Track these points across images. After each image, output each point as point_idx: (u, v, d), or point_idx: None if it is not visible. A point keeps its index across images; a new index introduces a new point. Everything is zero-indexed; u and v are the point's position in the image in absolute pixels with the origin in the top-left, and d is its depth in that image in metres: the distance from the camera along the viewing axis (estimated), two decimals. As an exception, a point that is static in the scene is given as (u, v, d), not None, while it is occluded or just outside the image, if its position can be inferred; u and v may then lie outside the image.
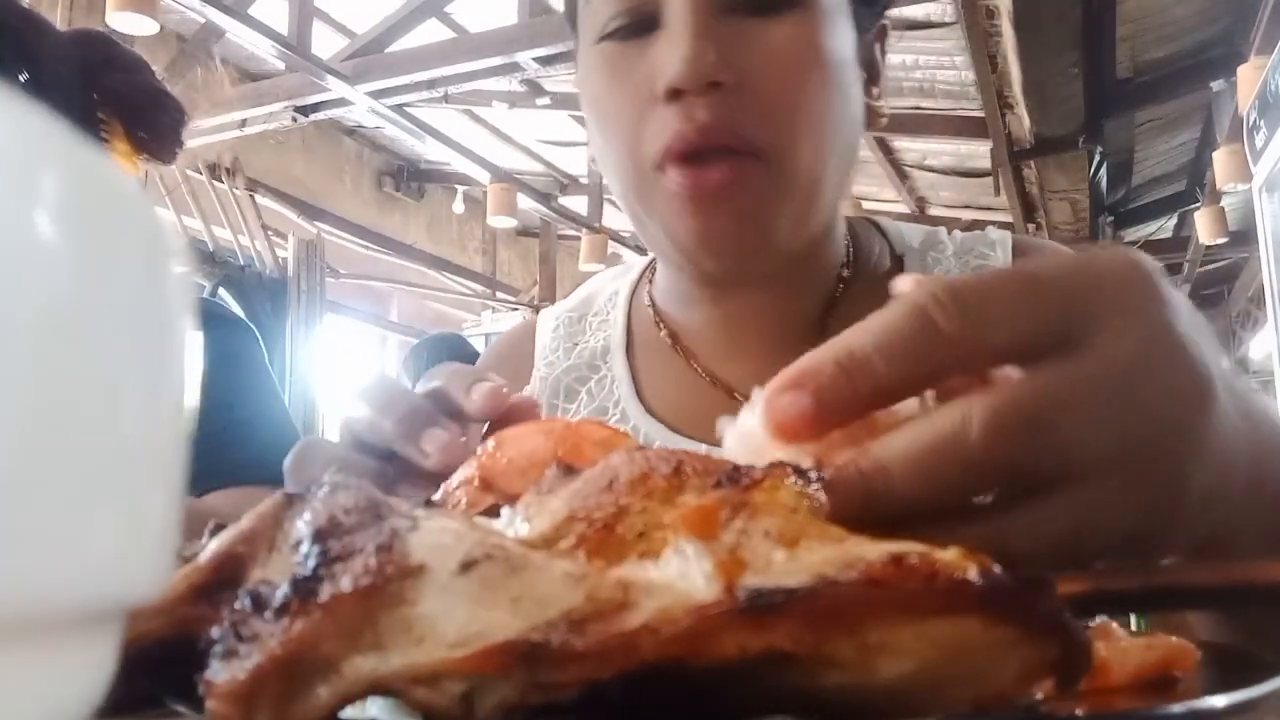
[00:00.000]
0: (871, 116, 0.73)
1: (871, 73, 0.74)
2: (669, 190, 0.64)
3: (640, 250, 7.21)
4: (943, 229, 0.81)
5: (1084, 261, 0.32)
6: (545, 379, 0.80)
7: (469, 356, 3.30)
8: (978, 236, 0.79)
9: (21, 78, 0.84)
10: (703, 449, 0.63)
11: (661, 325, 0.77)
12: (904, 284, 0.32)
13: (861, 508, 0.28)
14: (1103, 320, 0.30)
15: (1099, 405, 0.29)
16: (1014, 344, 0.30)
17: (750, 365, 0.72)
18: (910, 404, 0.31)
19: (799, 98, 0.64)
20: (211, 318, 1.23)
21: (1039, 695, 0.26)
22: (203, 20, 4.34)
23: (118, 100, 0.93)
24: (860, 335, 0.30)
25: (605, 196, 6.52)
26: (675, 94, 0.62)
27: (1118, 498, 0.30)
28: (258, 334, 1.24)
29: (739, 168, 0.63)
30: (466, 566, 0.22)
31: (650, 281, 0.82)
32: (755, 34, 0.63)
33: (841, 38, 0.67)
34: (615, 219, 7.11)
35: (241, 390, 1.10)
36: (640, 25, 0.65)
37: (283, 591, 0.22)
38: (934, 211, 6.64)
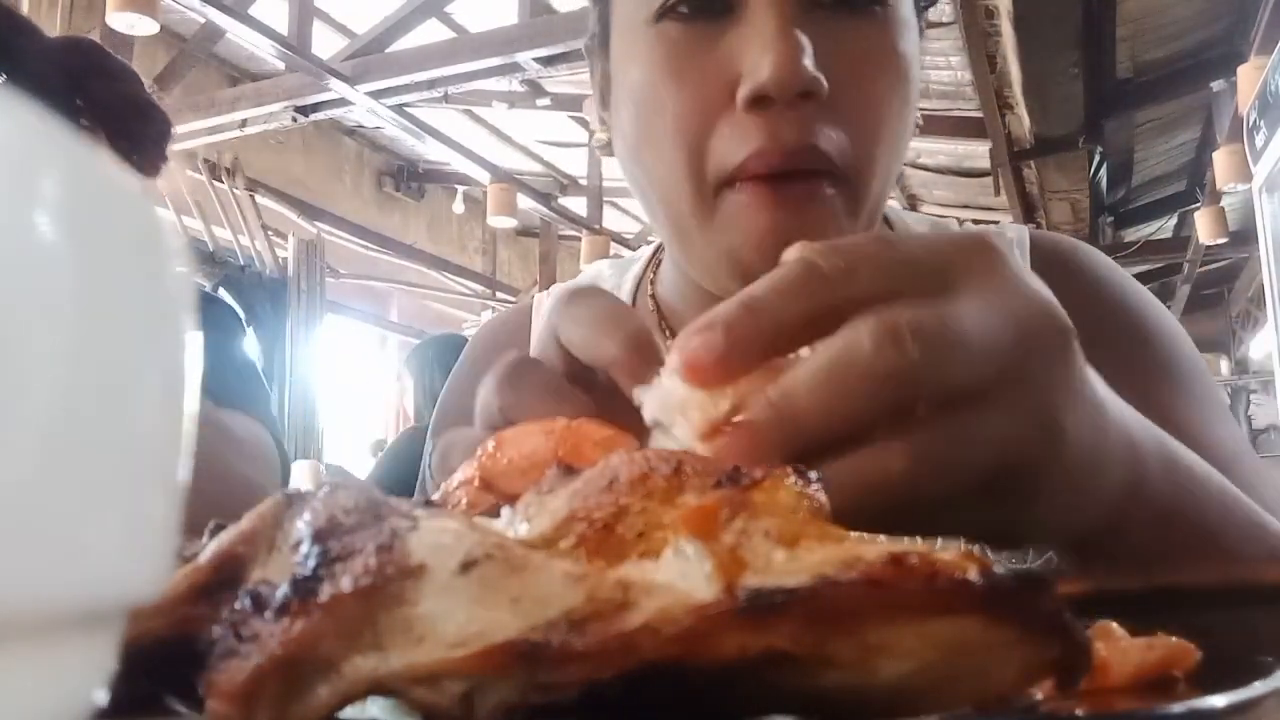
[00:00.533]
0: None
1: None
2: (737, 206, 0.58)
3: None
4: (954, 220, 0.80)
5: (940, 235, 0.37)
6: None
7: None
8: (990, 229, 0.78)
9: (3, 82, 0.83)
10: None
11: (667, 329, 0.72)
12: (791, 251, 0.36)
13: (778, 436, 0.32)
14: (963, 274, 0.35)
15: (971, 335, 0.33)
16: (890, 283, 0.34)
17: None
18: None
19: (883, 114, 0.59)
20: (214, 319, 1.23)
21: (1039, 695, 0.26)
22: (203, 20, 4.34)
23: (103, 109, 0.93)
24: (758, 284, 0.34)
25: (605, 198, 6.52)
26: (761, 101, 0.55)
27: (992, 421, 0.33)
28: (240, 313, 1.22)
29: (826, 196, 0.57)
30: (466, 566, 0.22)
31: (653, 279, 0.76)
32: (843, 34, 0.57)
33: (915, 42, 0.62)
34: (615, 220, 7.12)
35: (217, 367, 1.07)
36: (711, 7, 0.58)
37: (283, 591, 0.22)
38: (934, 212, 6.64)
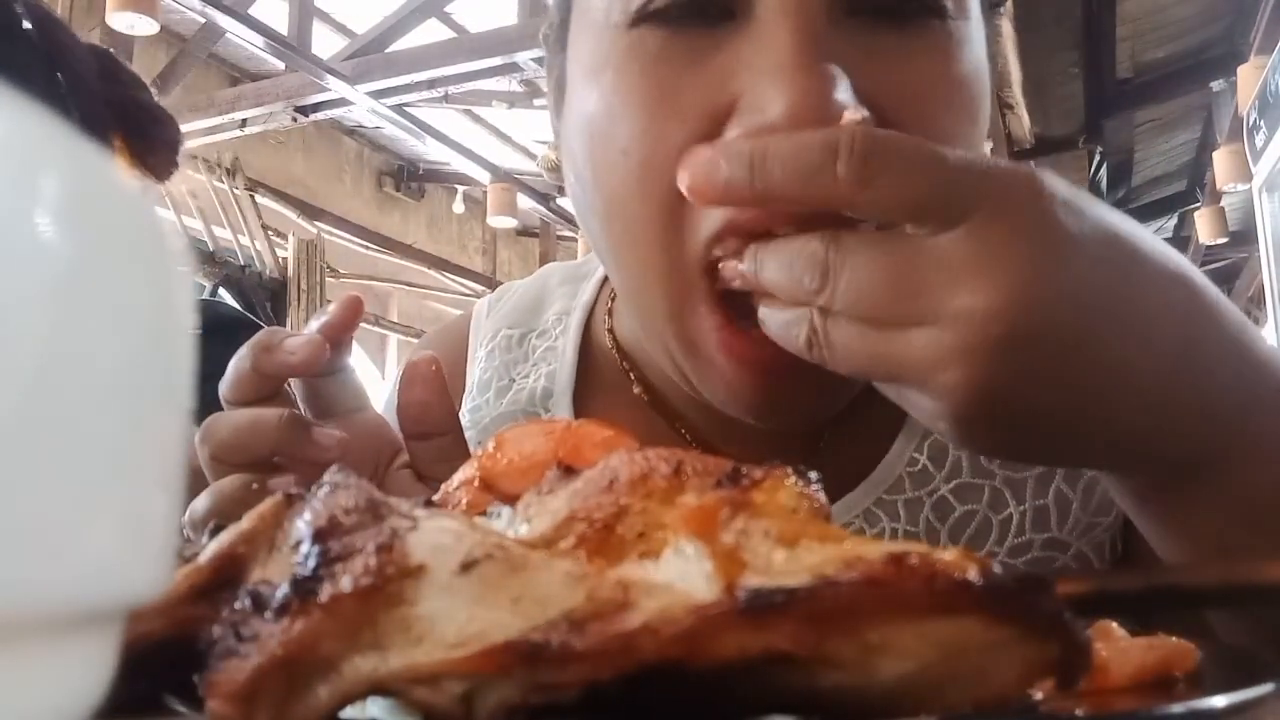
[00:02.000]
0: None
1: None
2: (712, 321, 0.44)
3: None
4: None
5: (987, 161, 0.36)
6: (475, 423, 0.62)
7: None
8: None
9: (54, 79, 0.84)
10: None
11: (632, 374, 0.58)
12: (826, 133, 0.36)
13: (743, 173, 0.36)
14: (979, 204, 0.34)
15: (960, 268, 0.34)
16: (898, 206, 0.35)
17: (750, 440, 0.50)
18: None
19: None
20: (233, 324, 1.24)
21: (1039, 695, 0.26)
22: (203, 20, 4.34)
23: (121, 114, 0.94)
24: (778, 140, 0.36)
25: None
26: None
27: (969, 342, 0.33)
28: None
29: None
30: (466, 566, 0.22)
31: (609, 311, 0.62)
32: (885, 54, 0.43)
33: (982, 52, 0.49)
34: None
35: None
36: (706, 10, 0.43)
37: (283, 591, 0.22)
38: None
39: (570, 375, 0.61)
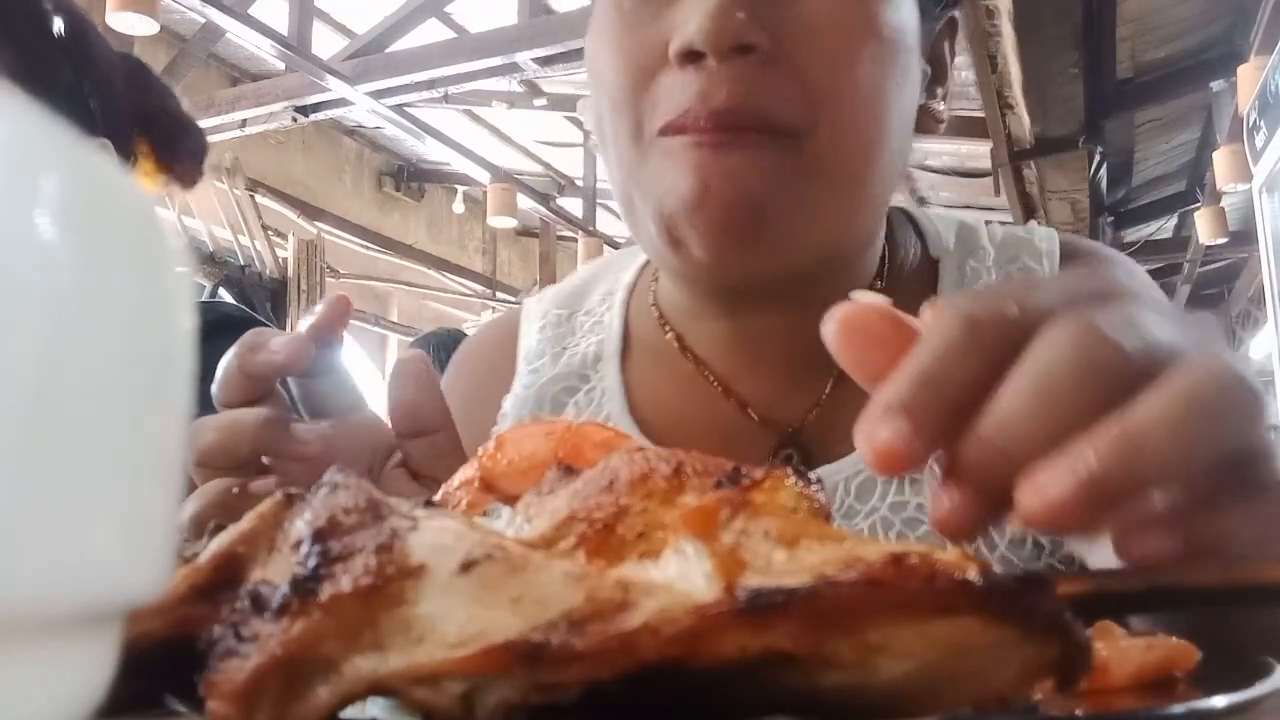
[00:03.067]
0: (927, 120, 0.64)
1: (937, 70, 0.65)
2: (665, 159, 0.54)
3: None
4: (983, 226, 0.74)
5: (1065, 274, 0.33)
6: (530, 388, 0.71)
7: None
8: (1021, 241, 0.71)
9: (79, 83, 0.85)
10: None
11: (668, 329, 0.68)
12: (928, 314, 0.33)
13: (1000, 469, 0.29)
14: (1107, 290, 0.32)
15: (1143, 319, 0.30)
16: (1046, 313, 0.31)
17: (768, 385, 0.64)
18: None
19: (847, 73, 0.54)
20: (234, 323, 1.25)
21: (1039, 695, 0.26)
22: (203, 20, 4.34)
23: (148, 121, 0.95)
24: (919, 356, 0.31)
25: (599, 201, 6.53)
26: (691, 56, 0.52)
27: (1194, 381, 0.29)
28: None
29: (761, 148, 0.53)
30: (467, 566, 0.22)
31: (655, 280, 0.72)
32: None
33: (903, 11, 0.57)
34: (609, 224, 7.13)
35: None
36: None
37: (283, 591, 0.22)
38: (933, 212, 6.63)
39: (617, 341, 0.71)
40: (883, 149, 0.57)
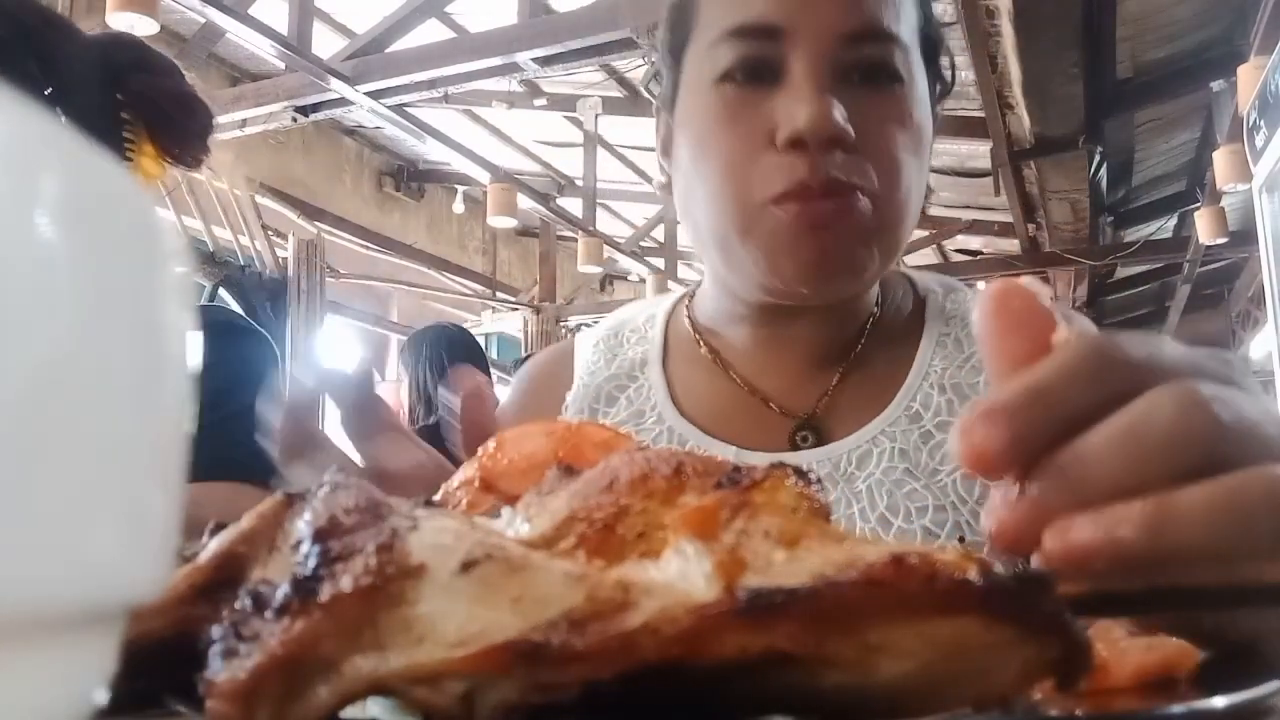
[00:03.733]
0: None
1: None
2: (780, 220, 0.70)
3: (636, 256, 7.21)
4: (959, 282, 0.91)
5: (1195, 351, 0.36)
6: (587, 386, 0.86)
7: (472, 349, 3.24)
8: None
9: (39, 78, 0.84)
10: (732, 450, 0.76)
11: (701, 341, 0.85)
12: (1062, 336, 0.34)
13: (1067, 502, 0.30)
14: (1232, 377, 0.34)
15: (1254, 410, 0.32)
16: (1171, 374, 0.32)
17: (786, 381, 0.80)
18: None
19: (901, 164, 0.72)
20: (234, 329, 1.25)
21: (1039, 695, 0.26)
22: (203, 20, 4.34)
23: (143, 104, 0.94)
24: (1038, 370, 0.32)
25: (599, 201, 6.52)
26: (797, 144, 0.68)
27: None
28: (274, 344, 1.26)
29: (851, 211, 0.69)
30: (467, 566, 0.22)
31: (688, 307, 0.89)
32: (866, 103, 0.70)
33: (926, 110, 0.76)
34: (609, 224, 7.13)
35: (246, 390, 1.11)
36: (761, 74, 0.71)
37: (283, 591, 0.22)
38: (934, 212, 6.63)
39: (659, 349, 0.87)
40: (917, 203, 0.75)
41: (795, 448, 0.76)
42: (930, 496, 0.72)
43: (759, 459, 0.70)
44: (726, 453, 0.76)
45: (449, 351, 3.01)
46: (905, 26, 0.74)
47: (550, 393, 0.88)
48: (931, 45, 0.79)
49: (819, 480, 0.27)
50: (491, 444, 0.40)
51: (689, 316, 0.88)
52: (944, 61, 0.82)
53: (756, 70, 0.71)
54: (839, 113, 0.68)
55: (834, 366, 0.79)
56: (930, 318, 0.83)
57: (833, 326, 0.80)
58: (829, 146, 0.68)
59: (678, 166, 0.79)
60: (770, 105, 0.70)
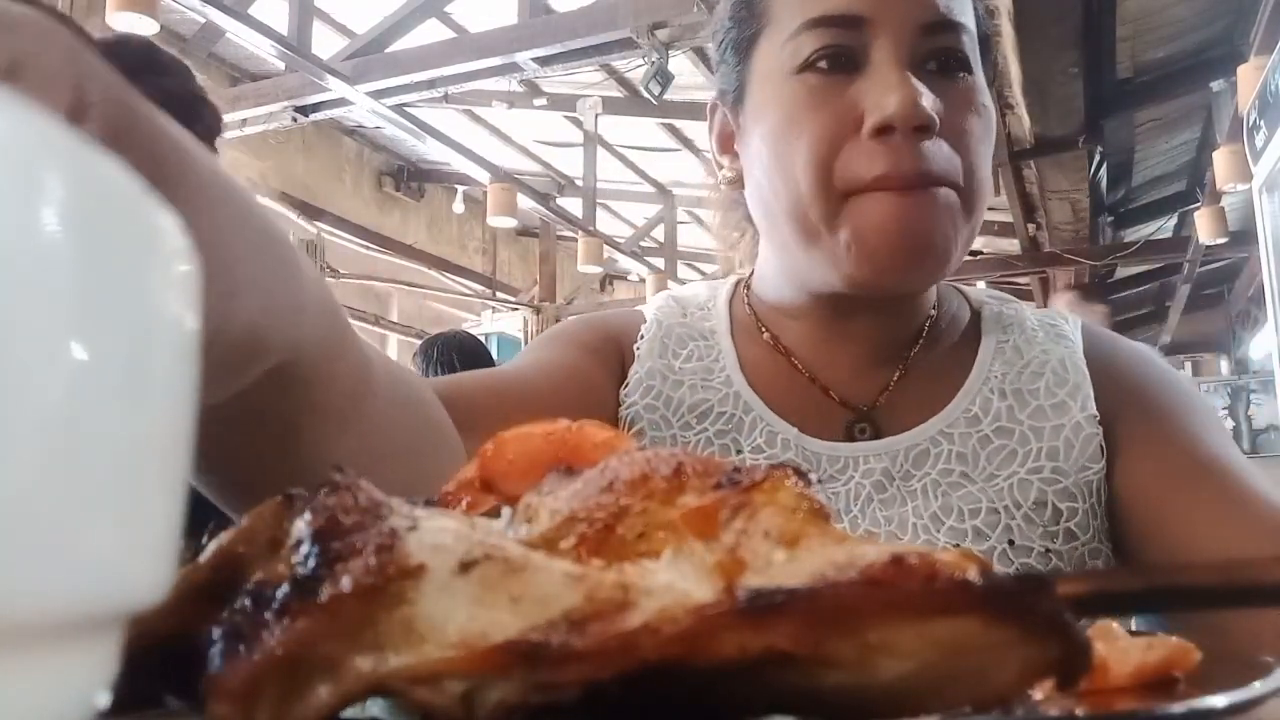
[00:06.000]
0: None
1: None
2: (869, 207, 0.70)
3: (636, 256, 7.21)
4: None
5: None
6: (660, 324, 0.85)
7: (482, 355, 3.25)
8: (1050, 314, 0.88)
9: None
10: (793, 431, 0.76)
11: (764, 329, 0.84)
12: None
13: None
14: None
15: None
16: None
17: (845, 373, 0.80)
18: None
19: (979, 149, 0.74)
20: None
21: (1039, 695, 0.26)
22: (203, 20, 4.34)
23: (161, 106, 0.94)
24: None
25: (598, 200, 6.52)
26: (885, 130, 0.68)
27: None
28: None
29: (936, 198, 0.70)
30: (466, 567, 0.22)
31: (745, 296, 0.88)
32: (944, 90, 0.72)
33: (990, 101, 0.78)
34: (609, 224, 7.13)
35: None
36: (843, 63, 0.71)
37: (283, 591, 0.22)
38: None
39: (726, 324, 0.86)
40: (990, 192, 0.76)
41: (852, 439, 0.76)
42: (985, 499, 0.72)
43: (817, 445, 0.76)
44: (788, 432, 0.77)
45: (461, 355, 3.04)
46: (969, 18, 0.76)
47: (611, 343, 0.84)
48: (985, 38, 0.81)
49: (819, 480, 0.27)
50: (491, 444, 0.40)
51: (748, 303, 0.88)
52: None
53: (839, 59, 0.72)
54: (927, 100, 0.68)
55: (893, 364, 0.80)
56: (987, 325, 0.84)
57: (894, 323, 0.80)
58: (917, 134, 0.68)
59: (752, 158, 0.78)
60: (854, 93, 0.70)
